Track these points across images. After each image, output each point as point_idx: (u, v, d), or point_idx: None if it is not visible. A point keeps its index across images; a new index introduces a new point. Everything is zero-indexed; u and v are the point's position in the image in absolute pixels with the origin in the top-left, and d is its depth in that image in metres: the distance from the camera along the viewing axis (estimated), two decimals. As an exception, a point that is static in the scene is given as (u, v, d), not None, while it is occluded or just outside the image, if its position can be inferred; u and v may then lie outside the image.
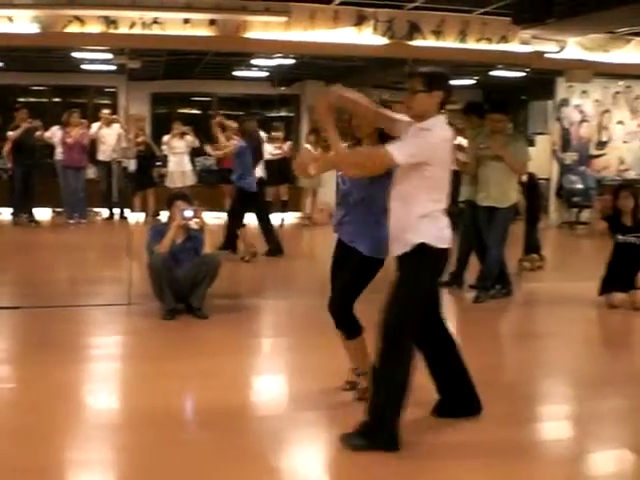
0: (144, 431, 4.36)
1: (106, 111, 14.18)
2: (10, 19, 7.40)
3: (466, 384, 4.62)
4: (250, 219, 10.32)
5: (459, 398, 4.63)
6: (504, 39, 8.73)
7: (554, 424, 4.85)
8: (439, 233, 4.16)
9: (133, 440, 4.26)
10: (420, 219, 4.12)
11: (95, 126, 13.80)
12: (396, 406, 4.12)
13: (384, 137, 4.42)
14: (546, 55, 9.15)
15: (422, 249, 4.10)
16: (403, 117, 4.34)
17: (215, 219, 10.07)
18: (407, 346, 4.17)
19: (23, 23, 7.37)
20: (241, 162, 9.98)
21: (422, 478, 3.88)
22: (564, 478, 3.93)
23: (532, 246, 9.82)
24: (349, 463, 4.04)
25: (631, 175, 14.39)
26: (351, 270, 4.66)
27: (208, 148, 11.08)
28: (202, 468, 3.90)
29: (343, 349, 4.86)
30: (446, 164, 4.19)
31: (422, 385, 4.47)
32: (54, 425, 4.42)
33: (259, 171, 10.51)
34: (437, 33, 8.48)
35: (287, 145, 14.02)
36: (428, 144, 4.04)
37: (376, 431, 4.11)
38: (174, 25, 7.74)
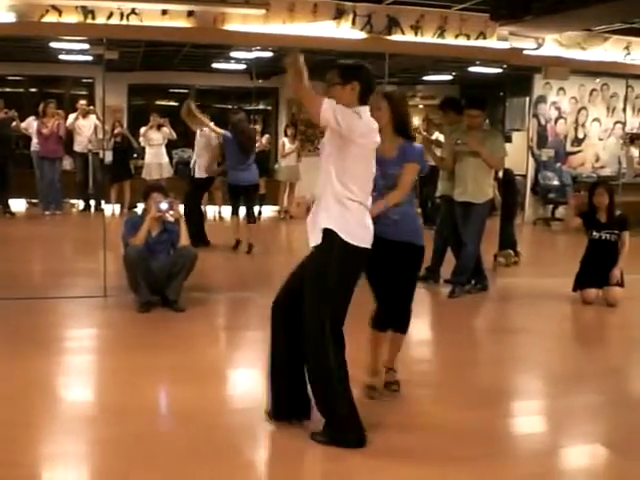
0: (119, 424, 4.35)
1: (83, 102, 14.09)
2: (-14, 8, 7.33)
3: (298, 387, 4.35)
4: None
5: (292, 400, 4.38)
6: (482, 35, 8.74)
7: (527, 419, 4.88)
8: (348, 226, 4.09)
9: (108, 433, 4.25)
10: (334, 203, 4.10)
11: (71, 117, 13.72)
12: (344, 400, 4.11)
13: (404, 133, 4.71)
14: (524, 52, 9.18)
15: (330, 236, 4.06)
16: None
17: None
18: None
19: (-1, 12, 7.31)
20: (227, 154, 10.10)
21: (393, 477, 3.89)
22: (537, 473, 3.95)
23: (507, 242, 9.87)
24: (323, 456, 4.05)
25: (606, 172, 14.48)
26: (412, 267, 4.84)
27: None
28: (177, 462, 3.90)
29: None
30: (366, 156, 4.15)
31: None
32: (28, 418, 4.40)
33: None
34: (416, 28, 8.48)
35: (265, 138, 14.01)
36: (354, 121, 4.02)
37: (340, 430, 4.11)
38: (152, 16, 7.68)
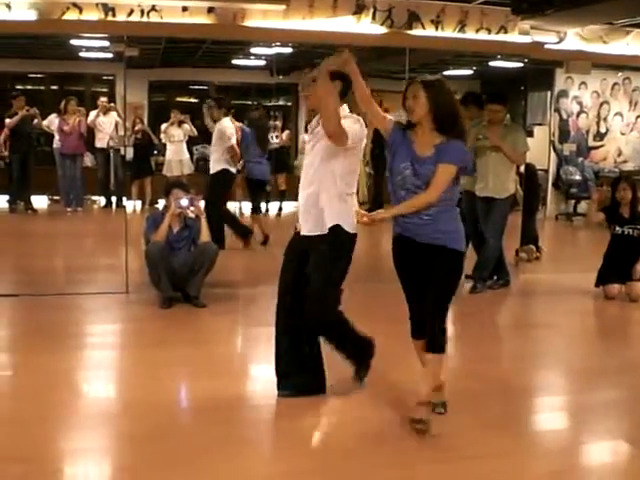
0: (140, 419, 4.36)
1: (103, 99, 14.16)
2: (8, 6, 7.35)
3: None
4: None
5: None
6: (503, 29, 8.69)
7: (549, 415, 4.86)
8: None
9: (129, 428, 4.26)
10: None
11: (92, 114, 13.78)
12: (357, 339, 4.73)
13: (446, 129, 4.24)
14: (545, 46, 9.12)
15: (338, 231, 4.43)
16: (388, 115, 4.43)
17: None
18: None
19: (21, 10, 7.33)
20: (244, 148, 10.11)
21: (415, 471, 3.88)
22: (559, 469, 3.93)
23: (529, 237, 9.81)
24: (341, 451, 4.05)
25: (629, 167, 14.38)
26: (441, 273, 4.29)
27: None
28: (198, 456, 3.90)
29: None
30: (360, 152, 4.59)
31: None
32: (50, 413, 4.42)
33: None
34: (436, 22, 8.44)
35: (285, 134, 14.00)
36: (358, 131, 4.40)
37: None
38: (172, 13, 7.69)
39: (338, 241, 4.45)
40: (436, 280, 4.28)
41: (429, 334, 4.28)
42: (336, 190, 4.43)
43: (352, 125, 4.32)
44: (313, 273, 4.47)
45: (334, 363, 4.77)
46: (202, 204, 7.42)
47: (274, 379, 4.78)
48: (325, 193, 4.44)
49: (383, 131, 4.40)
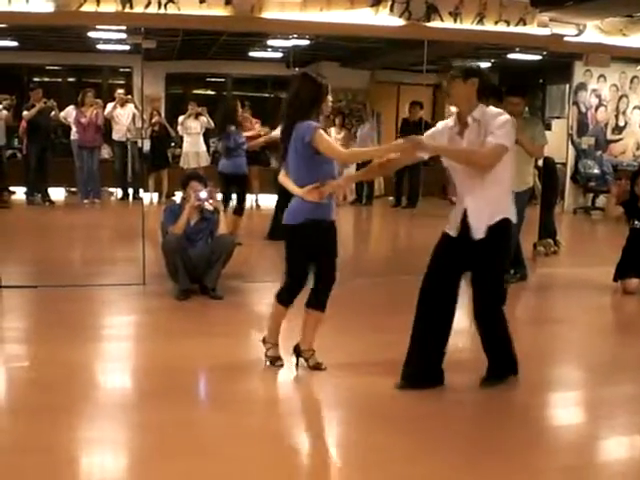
0: (157, 410, 4.37)
1: (121, 91, 14.19)
2: (26, -2, 7.38)
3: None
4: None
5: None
6: (522, 21, 8.62)
7: (566, 409, 4.84)
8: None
9: (145, 419, 4.27)
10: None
11: (110, 106, 13.80)
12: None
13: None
14: (564, 38, 9.05)
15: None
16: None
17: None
18: None
19: (38, 2, 7.33)
20: None
21: (434, 464, 3.87)
22: (575, 464, 3.91)
23: (547, 231, 9.76)
24: (364, 443, 4.04)
25: (648, 160, 14.29)
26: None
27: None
28: (215, 448, 3.91)
29: (358, 332, 4.86)
30: None
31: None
32: (67, 404, 4.44)
33: None
34: (455, 14, 8.38)
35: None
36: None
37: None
38: (190, 4, 7.67)
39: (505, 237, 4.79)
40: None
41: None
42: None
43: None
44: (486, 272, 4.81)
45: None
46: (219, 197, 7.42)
47: (292, 370, 4.78)
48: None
49: None
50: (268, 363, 5.09)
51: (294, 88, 4.90)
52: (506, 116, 4.60)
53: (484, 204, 4.61)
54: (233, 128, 9.56)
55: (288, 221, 4.91)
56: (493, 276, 4.76)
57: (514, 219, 4.76)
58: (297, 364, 5.05)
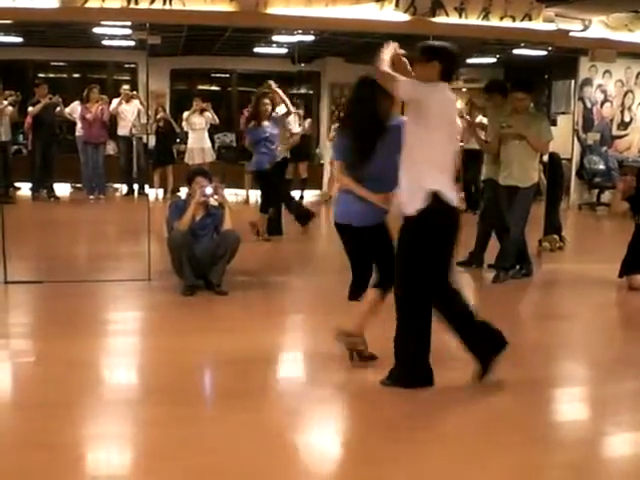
0: (163, 406, 4.37)
1: (126, 87, 14.21)
2: (31, -7, 7.38)
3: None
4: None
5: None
6: (528, 17, 8.60)
7: (570, 406, 4.82)
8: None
9: (151, 415, 4.27)
10: None
11: (115, 102, 13.82)
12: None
13: None
14: (570, 34, 9.03)
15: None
16: None
17: (234, 196, 10.10)
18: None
19: (43, -2, 7.36)
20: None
21: (438, 459, 3.87)
22: (580, 460, 3.90)
23: (553, 226, 9.75)
24: (366, 439, 4.04)
25: (653, 156, 14.26)
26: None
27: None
28: (220, 443, 3.92)
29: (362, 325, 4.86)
30: None
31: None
32: (73, 399, 4.44)
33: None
34: (460, 10, 8.36)
35: (307, 122, 13.97)
36: None
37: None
38: (194, 0, 7.68)
39: None
40: None
41: None
42: None
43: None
44: None
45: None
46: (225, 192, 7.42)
47: (296, 366, 4.78)
48: None
49: None
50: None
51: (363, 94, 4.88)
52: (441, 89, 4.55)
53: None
54: (252, 124, 9.62)
55: (369, 222, 4.88)
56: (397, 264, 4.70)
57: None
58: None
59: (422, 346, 4.64)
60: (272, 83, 9.87)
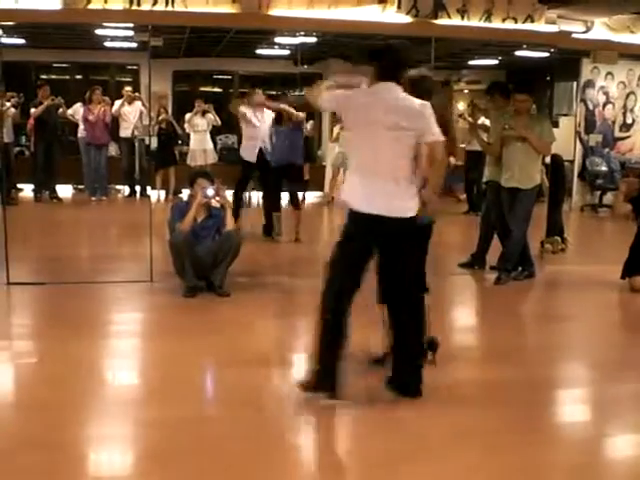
0: (164, 408, 4.38)
1: (128, 88, 14.22)
2: (33, -5, 7.39)
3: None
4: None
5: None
6: (530, 18, 8.60)
7: (573, 407, 4.84)
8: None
9: (153, 416, 4.28)
10: None
11: (117, 103, 13.83)
12: None
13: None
14: (572, 35, 9.03)
15: None
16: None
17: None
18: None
19: (46, -1, 7.37)
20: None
21: (434, 461, 3.86)
22: (581, 462, 3.91)
23: (555, 228, 9.73)
24: (368, 443, 4.04)
25: (655, 158, 14.24)
26: None
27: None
28: (222, 445, 3.92)
29: (363, 328, 4.85)
30: None
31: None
32: (75, 400, 4.46)
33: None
34: (462, 12, 8.36)
35: (309, 124, 13.96)
36: None
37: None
38: (197, 2, 7.68)
39: None
40: None
41: None
42: None
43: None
44: None
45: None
46: (228, 193, 7.43)
47: (299, 367, 4.78)
48: None
49: None
50: None
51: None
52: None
53: None
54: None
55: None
56: None
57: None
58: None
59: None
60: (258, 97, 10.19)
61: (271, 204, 10.19)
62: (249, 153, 10.37)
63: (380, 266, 4.52)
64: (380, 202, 4.35)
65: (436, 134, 4.37)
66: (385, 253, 4.47)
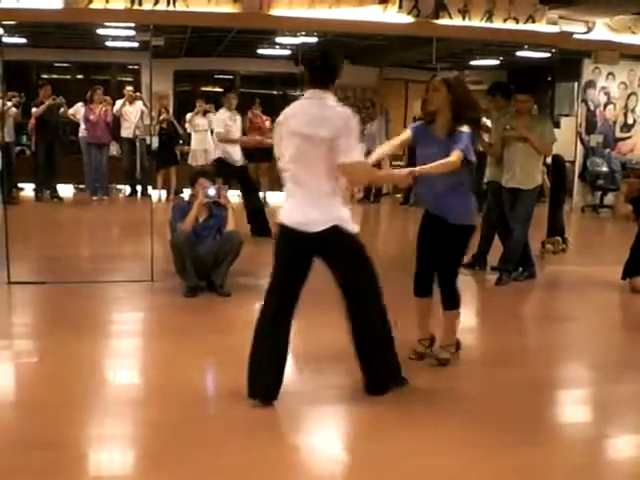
0: (165, 407, 4.38)
1: (129, 88, 14.24)
2: (35, -6, 7.40)
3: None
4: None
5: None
6: (531, 19, 8.61)
7: (573, 407, 4.84)
8: None
9: (154, 416, 4.28)
10: None
11: (118, 103, 13.85)
12: None
13: (458, 117, 4.85)
14: (574, 36, 9.03)
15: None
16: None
17: (237, 197, 10.09)
18: None
19: (47, -1, 7.38)
20: None
21: (435, 464, 3.87)
22: (582, 462, 3.90)
23: (556, 229, 9.74)
24: (368, 443, 4.04)
25: (656, 159, 14.25)
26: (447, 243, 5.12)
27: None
28: (224, 444, 3.92)
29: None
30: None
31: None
32: (75, 400, 4.45)
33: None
34: (463, 12, 8.37)
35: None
36: None
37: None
38: (198, 1, 7.69)
39: None
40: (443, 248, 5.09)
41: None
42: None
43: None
44: None
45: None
46: (229, 193, 7.43)
47: (299, 368, 4.77)
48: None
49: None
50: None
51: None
52: None
53: None
54: None
55: (470, 222, 5.10)
56: None
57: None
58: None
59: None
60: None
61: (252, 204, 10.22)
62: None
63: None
64: (299, 214, 4.34)
65: (353, 154, 4.20)
66: (329, 266, 4.53)
